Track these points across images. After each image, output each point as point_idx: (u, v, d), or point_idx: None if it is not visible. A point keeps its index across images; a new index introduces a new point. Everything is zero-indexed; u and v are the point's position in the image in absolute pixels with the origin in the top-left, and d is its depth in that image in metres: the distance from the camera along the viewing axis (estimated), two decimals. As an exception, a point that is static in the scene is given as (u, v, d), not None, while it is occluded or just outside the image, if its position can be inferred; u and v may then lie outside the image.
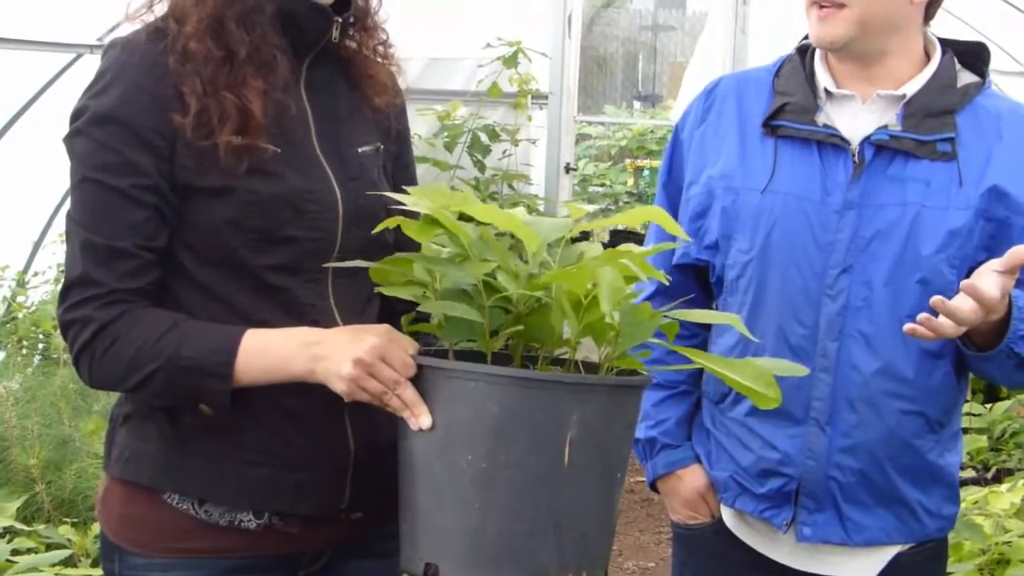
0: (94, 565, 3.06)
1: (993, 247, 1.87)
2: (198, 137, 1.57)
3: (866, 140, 1.90)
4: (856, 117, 1.93)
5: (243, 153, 1.58)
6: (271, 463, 1.63)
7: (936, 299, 1.66)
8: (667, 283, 1.66)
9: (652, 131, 11.03)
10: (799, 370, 1.58)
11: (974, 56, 1.97)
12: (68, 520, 3.37)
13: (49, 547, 3.13)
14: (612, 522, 1.55)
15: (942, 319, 1.67)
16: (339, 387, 1.51)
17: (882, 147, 1.89)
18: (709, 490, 2.08)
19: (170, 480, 1.64)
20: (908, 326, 1.71)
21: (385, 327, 1.55)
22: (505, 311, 1.51)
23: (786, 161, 1.94)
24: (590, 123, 11.40)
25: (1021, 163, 1.89)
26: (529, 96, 6.73)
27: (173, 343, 1.55)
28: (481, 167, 6.55)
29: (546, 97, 6.78)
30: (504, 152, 6.64)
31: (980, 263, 1.85)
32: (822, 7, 1.87)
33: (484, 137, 6.55)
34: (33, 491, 3.41)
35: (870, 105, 1.93)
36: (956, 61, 1.96)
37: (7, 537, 3.05)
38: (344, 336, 1.54)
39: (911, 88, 1.91)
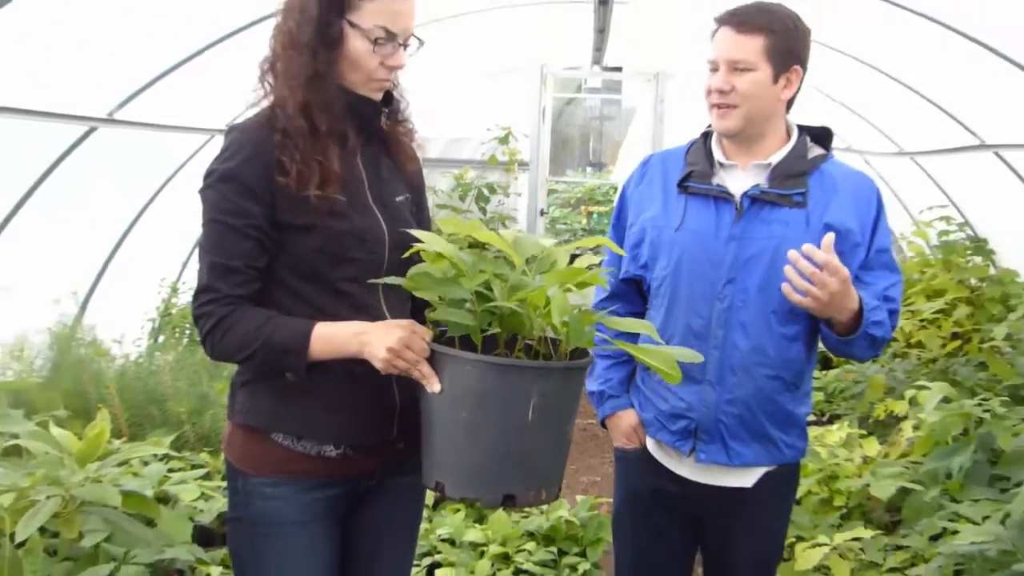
0: (223, 480, 3.04)
1: None
2: (297, 191, 1.55)
3: (744, 194, 1.89)
4: (739, 179, 1.92)
5: (324, 201, 1.57)
6: (345, 410, 1.62)
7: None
8: (607, 288, 1.62)
9: (599, 187, 11.04)
10: (695, 356, 1.57)
11: (822, 136, 1.96)
12: (206, 449, 3.34)
13: (193, 467, 3.11)
14: (563, 457, 1.53)
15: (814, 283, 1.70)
16: (378, 364, 1.50)
17: (755, 199, 1.88)
18: (639, 426, 2.06)
19: (277, 424, 1.62)
20: (786, 287, 1.73)
21: (410, 322, 1.53)
22: (492, 313, 1.50)
23: (692, 209, 1.93)
24: (557, 181, 11.40)
25: (848, 209, 1.88)
26: (516, 163, 6.76)
27: (268, 331, 1.53)
28: (484, 211, 6.59)
29: (527, 164, 6.80)
30: (499, 202, 6.70)
31: None
32: (720, 107, 1.86)
33: (486, 191, 6.60)
34: (182, 430, 3.39)
35: (748, 171, 1.92)
36: (808, 139, 1.95)
37: (165, 460, 3.02)
38: (381, 329, 1.52)
39: (775, 158, 1.91)
